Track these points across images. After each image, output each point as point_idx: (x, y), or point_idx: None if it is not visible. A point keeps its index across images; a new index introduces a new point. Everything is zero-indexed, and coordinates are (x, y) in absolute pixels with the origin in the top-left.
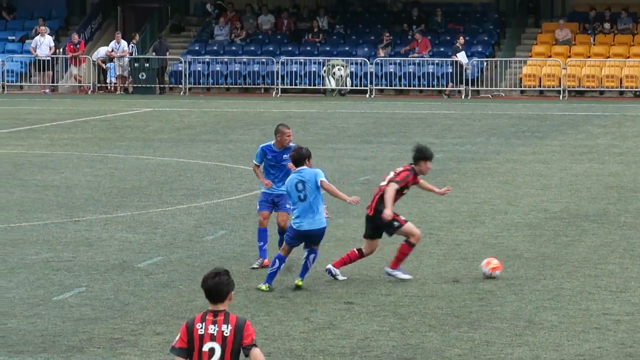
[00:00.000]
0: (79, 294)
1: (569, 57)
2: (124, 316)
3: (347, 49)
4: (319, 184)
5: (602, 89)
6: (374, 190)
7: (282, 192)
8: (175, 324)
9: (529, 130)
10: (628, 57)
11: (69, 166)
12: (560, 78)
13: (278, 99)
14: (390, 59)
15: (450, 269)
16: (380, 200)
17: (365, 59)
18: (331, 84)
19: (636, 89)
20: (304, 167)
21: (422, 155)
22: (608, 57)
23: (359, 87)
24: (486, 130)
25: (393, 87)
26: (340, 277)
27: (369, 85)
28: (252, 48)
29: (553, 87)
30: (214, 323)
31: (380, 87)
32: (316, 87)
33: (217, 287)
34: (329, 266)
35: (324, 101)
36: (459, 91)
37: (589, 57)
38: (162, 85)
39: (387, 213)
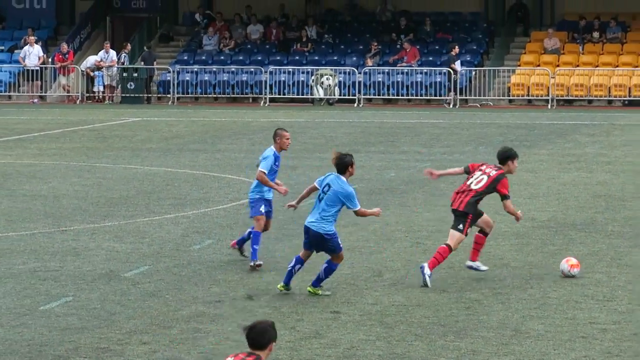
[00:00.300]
0: (66, 303)
1: (558, 66)
2: (111, 326)
3: (335, 58)
4: (342, 202)
5: (590, 98)
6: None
7: (271, 198)
8: (161, 334)
9: (517, 139)
10: (617, 66)
11: (56, 176)
12: (548, 87)
13: (266, 109)
14: (379, 69)
15: (437, 278)
16: (470, 201)
17: (353, 69)
18: (319, 93)
19: (624, 98)
20: (344, 177)
21: (510, 154)
22: (597, 66)
23: (347, 97)
24: (474, 139)
25: (381, 97)
26: (483, 267)
27: (357, 95)
28: (241, 57)
29: (541, 96)
30: None
31: (368, 97)
32: (304, 96)
33: (256, 335)
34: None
35: (312, 110)
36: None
37: (578, 66)
38: (149, 95)
39: (520, 215)
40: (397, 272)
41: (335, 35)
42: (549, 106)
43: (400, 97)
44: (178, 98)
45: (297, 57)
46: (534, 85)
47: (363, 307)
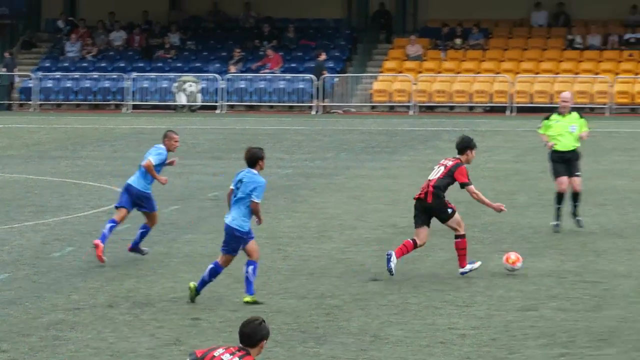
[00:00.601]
0: None
1: (420, 72)
2: None
3: (198, 65)
4: (252, 197)
5: (452, 104)
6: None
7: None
8: (21, 342)
9: (378, 145)
10: (478, 73)
11: None
12: (410, 93)
13: (129, 115)
14: (242, 75)
15: (297, 284)
16: (434, 192)
17: (216, 75)
18: (182, 100)
19: (486, 104)
20: (255, 170)
21: (469, 144)
22: (459, 73)
23: (209, 103)
24: (336, 145)
25: (244, 103)
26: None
27: (219, 101)
28: (104, 64)
29: (403, 102)
30: (232, 354)
31: (231, 103)
32: (167, 103)
33: (248, 332)
34: (391, 252)
35: (174, 117)
36: (310, 107)
37: (440, 72)
38: (11, 102)
39: (498, 205)
40: (258, 279)
41: (198, 41)
42: (411, 112)
43: (262, 103)
44: (40, 105)
45: (160, 64)
46: (396, 91)
47: (223, 314)
